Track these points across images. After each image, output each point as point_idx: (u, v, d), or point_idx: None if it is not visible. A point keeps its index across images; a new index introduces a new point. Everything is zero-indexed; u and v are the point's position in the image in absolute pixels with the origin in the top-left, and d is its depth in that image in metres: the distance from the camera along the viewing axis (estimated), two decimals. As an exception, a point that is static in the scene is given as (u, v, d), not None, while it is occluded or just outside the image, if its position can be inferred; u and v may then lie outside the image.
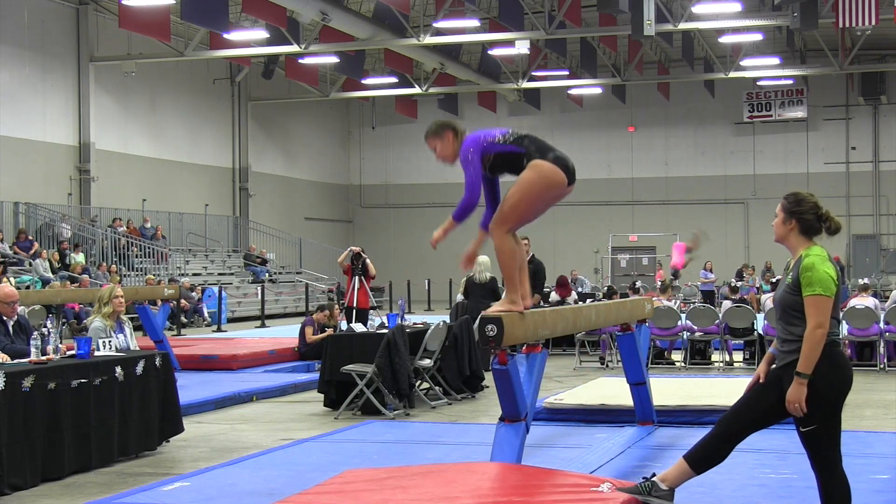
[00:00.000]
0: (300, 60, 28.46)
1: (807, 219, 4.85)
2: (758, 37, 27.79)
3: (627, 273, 32.95)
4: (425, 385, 11.03)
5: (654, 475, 5.07)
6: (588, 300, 16.67)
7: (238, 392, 11.26)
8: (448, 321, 11.69)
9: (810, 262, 4.74)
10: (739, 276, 28.62)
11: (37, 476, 7.01)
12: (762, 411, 4.89)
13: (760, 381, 4.93)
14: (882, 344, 13.72)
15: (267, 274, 30.28)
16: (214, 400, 10.77)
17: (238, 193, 33.29)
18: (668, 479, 4.99)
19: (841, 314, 12.59)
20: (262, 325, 23.59)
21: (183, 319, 22.70)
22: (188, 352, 14.33)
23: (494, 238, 5.75)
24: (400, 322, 10.99)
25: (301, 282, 30.56)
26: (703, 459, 4.94)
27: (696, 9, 23.52)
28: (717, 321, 14.26)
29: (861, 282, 18.28)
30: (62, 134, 25.91)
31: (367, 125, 39.48)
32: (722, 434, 4.91)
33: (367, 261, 15.56)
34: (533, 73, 30.72)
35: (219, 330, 22.38)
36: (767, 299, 15.05)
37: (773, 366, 4.91)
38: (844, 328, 13.55)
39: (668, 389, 9.86)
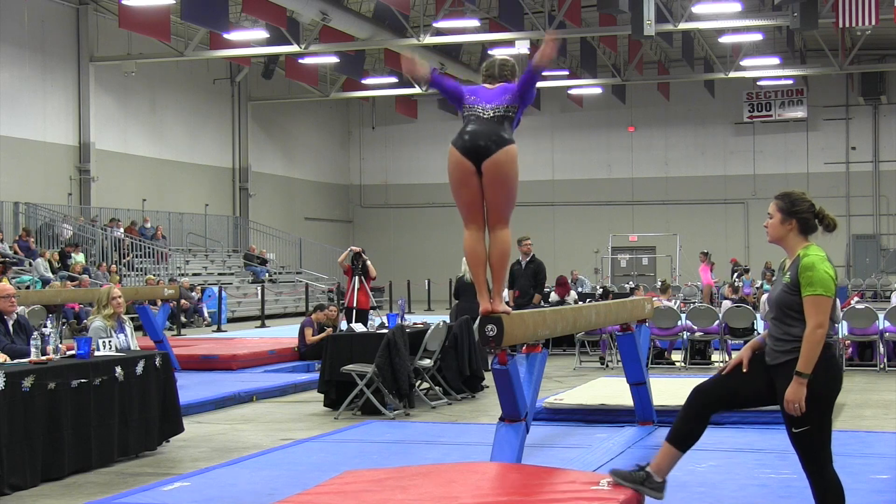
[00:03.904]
0: (300, 60, 28.46)
1: (806, 218, 4.84)
2: (758, 37, 27.78)
3: (627, 273, 32.96)
4: (425, 385, 11.03)
5: (648, 465, 5.01)
6: (588, 300, 16.68)
7: (238, 392, 11.26)
8: (448, 321, 11.70)
9: (810, 262, 4.73)
10: (739, 277, 28.59)
11: (37, 476, 7.01)
12: (742, 394, 4.90)
13: (744, 369, 4.91)
14: (882, 344, 13.72)
15: (267, 274, 30.27)
16: (214, 400, 10.77)
17: (238, 193, 33.30)
18: (661, 469, 4.93)
19: (841, 314, 12.66)
20: (262, 325, 23.59)
21: (183, 319, 22.69)
22: (188, 352, 14.33)
23: None
24: (400, 322, 11.00)
25: (301, 282, 30.55)
26: (683, 438, 4.91)
27: (696, 9, 23.53)
28: (717, 321, 14.26)
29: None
30: (62, 134, 25.92)
31: (367, 125, 39.49)
32: (695, 407, 4.88)
33: (368, 262, 15.54)
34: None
35: (219, 330, 22.37)
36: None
37: (761, 353, 4.87)
38: (844, 328, 13.55)
39: (668, 389, 9.85)
